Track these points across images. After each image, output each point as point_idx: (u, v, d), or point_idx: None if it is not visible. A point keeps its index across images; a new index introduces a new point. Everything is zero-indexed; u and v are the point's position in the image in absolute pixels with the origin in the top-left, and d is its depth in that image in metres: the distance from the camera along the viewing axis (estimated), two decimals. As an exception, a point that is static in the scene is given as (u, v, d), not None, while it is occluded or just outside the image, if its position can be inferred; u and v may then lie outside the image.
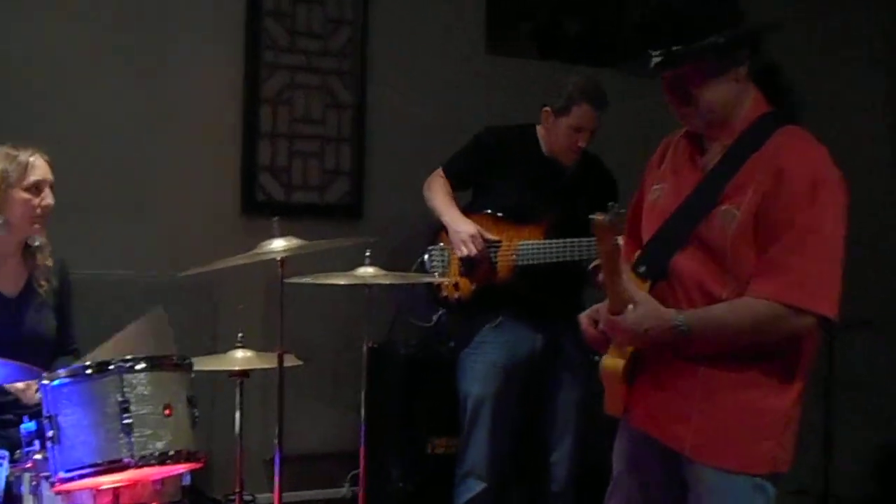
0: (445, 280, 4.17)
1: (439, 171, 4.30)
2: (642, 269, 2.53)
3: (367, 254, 3.60)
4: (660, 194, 2.65)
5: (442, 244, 4.22)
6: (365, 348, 3.61)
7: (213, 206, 4.67)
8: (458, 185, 4.29)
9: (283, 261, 3.22)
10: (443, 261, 4.22)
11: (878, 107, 6.00)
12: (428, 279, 4.16)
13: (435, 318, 4.27)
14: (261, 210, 4.63)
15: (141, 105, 4.54)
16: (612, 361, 2.55)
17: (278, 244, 3.23)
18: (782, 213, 2.42)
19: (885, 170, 5.94)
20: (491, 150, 4.23)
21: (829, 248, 2.44)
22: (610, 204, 2.37)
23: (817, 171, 2.45)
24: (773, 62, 2.61)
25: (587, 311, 2.61)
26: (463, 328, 4.22)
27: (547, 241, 4.06)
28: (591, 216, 2.31)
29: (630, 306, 2.43)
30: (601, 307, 2.54)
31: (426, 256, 4.24)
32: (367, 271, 3.57)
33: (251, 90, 4.72)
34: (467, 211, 4.21)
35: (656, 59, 2.47)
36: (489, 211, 4.18)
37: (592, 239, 3.89)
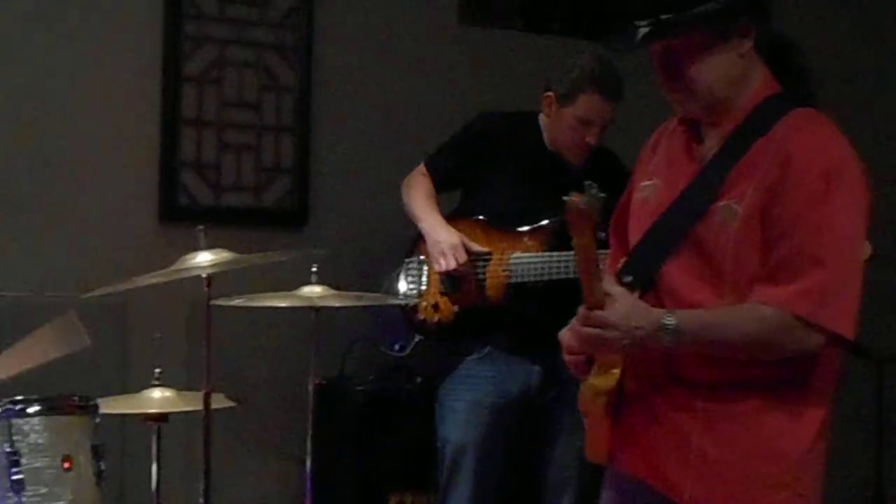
0: (424, 297, 4.17)
1: (421, 168, 4.31)
2: (628, 278, 2.57)
3: (314, 269, 3.61)
4: (651, 191, 2.70)
5: (421, 256, 4.24)
6: (311, 386, 3.61)
7: (125, 212, 4.67)
8: (443, 184, 4.30)
9: (209, 278, 3.22)
10: (420, 276, 4.23)
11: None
12: (393, 301, 4.16)
13: (409, 346, 4.26)
14: (183, 216, 4.63)
15: (35, 87, 4.52)
16: (594, 386, 2.57)
17: (204, 258, 3.23)
18: (791, 209, 2.46)
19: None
20: (483, 141, 4.24)
21: (847, 252, 2.47)
22: (587, 183, 2.40)
23: (833, 160, 2.49)
24: (785, 37, 2.66)
25: (570, 325, 2.63)
26: (443, 359, 4.23)
27: (546, 254, 4.07)
28: (563, 197, 2.35)
29: (608, 302, 2.46)
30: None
31: (401, 271, 4.24)
32: (313, 291, 3.58)
33: (171, 68, 4.71)
34: (454, 217, 4.22)
35: (643, 31, 2.52)
36: (480, 217, 4.19)
37: (603, 253, 3.95)
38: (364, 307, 4.29)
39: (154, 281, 3.26)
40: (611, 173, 4.24)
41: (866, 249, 2.59)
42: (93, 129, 4.61)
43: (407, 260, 4.25)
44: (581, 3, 5.46)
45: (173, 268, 3.26)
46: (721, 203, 2.52)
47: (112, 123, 4.65)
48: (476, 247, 4.11)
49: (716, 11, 2.51)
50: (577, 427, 4.12)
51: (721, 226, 2.50)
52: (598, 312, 2.45)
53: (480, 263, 4.12)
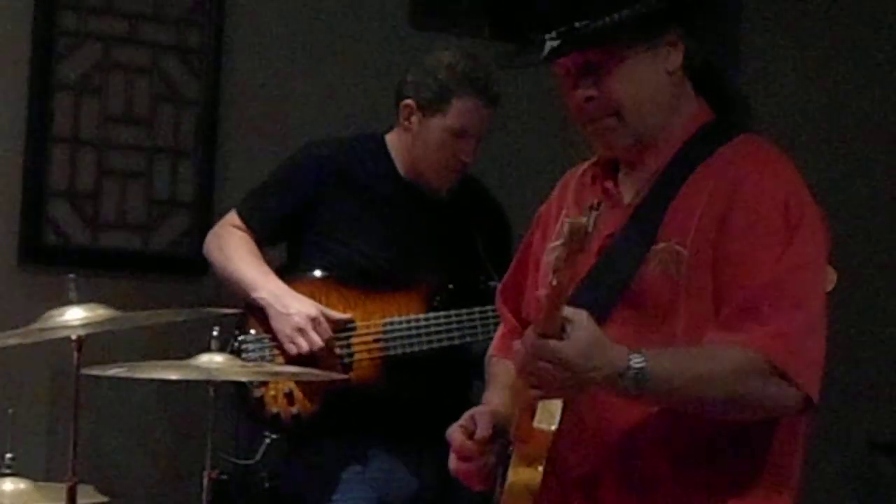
0: (323, 375, 4.10)
1: (232, 218, 4.25)
2: None
3: (215, 333, 3.59)
4: None
5: (254, 332, 4.16)
6: (206, 479, 3.60)
7: (-25, 251, 4.66)
8: (267, 237, 4.25)
9: (80, 340, 3.20)
10: (263, 358, 4.13)
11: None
12: (318, 375, 4.11)
13: (261, 449, 4.18)
14: (50, 259, 4.65)
15: None
16: (519, 483, 2.57)
17: (74, 314, 3.20)
18: (750, 245, 2.52)
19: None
20: (321, 175, 4.21)
21: (814, 302, 2.53)
22: (588, 204, 2.43)
23: (790, 191, 2.56)
24: (713, 62, 2.73)
25: (459, 421, 2.67)
26: (306, 461, 4.19)
27: (431, 315, 4.08)
28: (568, 219, 2.36)
29: (569, 329, 2.42)
30: (481, 412, 2.64)
31: (234, 352, 4.08)
32: (213, 360, 3.56)
33: (41, 71, 4.73)
34: (286, 277, 4.16)
35: (551, 44, 2.57)
36: (325, 273, 4.15)
37: (492, 308, 3.96)
38: (238, 389, 4.19)
39: (9, 342, 3.24)
40: (481, 207, 4.33)
41: (831, 277, 2.65)
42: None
43: (239, 338, 4.15)
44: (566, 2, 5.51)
45: (34, 326, 3.23)
46: (659, 246, 2.56)
47: (-36, 140, 4.66)
48: (336, 315, 4.08)
49: (639, 17, 2.57)
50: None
51: (662, 273, 2.55)
52: (553, 342, 2.40)
53: (342, 335, 4.10)
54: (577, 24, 2.55)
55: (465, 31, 5.33)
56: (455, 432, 2.67)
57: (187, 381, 3.59)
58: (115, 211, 4.85)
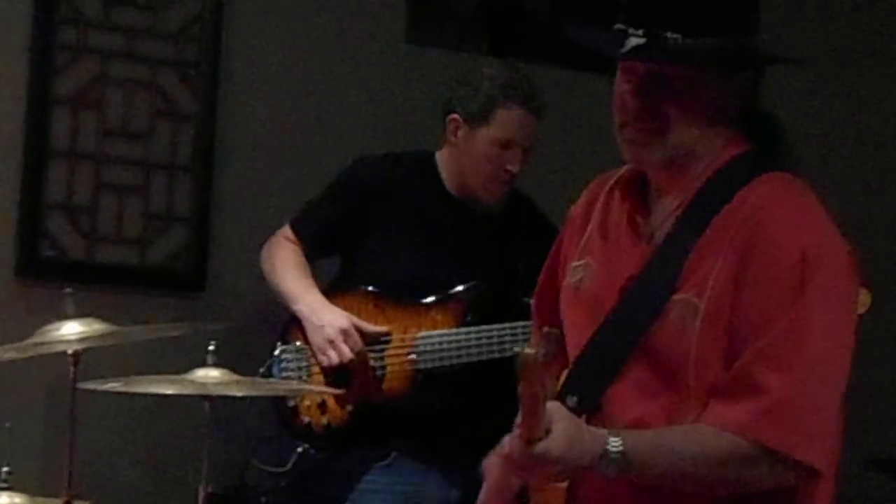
0: (314, 390, 4.14)
1: (286, 231, 4.34)
2: (573, 399, 2.56)
3: (211, 347, 3.57)
4: (586, 275, 2.70)
5: (298, 343, 4.22)
6: (201, 495, 3.58)
7: (-29, 265, 4.65)
8: (316, 250, 4.32)
9: (76, 355, 3.19)
10: (300, 368, 4.21)
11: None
12: (313, 389, 4.15)
13: (293, 458, 4.21)
14: (46, 273, 4.63)
15: None
16: None
17: (71, 329, 3.20)
18: (758, 307, 2.45)
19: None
20: (369, 191, 4.27)
21: (823, 361, 2.46)
22: (546, 330, 2.41)
23: (810, 241, 2.48)
24: (764, 111, 2.69)
25: (498, 452, 2.64)
26: (339, 467, 4.21)
27: (462, 330, 4.10)
28: (515, 349, 2.34)
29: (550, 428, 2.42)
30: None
31: (275, 362, 4.21)
32: (209, 375, 3.54)
33: (39, 85, 4.72)
34: (334, 291, 4.23)
35: (636, 41, 2.53)
36: (369, 288, 4.19)
37: (523, 325, 3.98)
38: (274, 398, 4.26)
39: (6, 356, 3.23)
40: (530, 225, 4.35)
41: (864, 300, 2.60)
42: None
43: (280, 348, 4.23)
44: (557, 19, 5.52)
45: (31, 340, 3.23)
46: (678, 296, 2.51)
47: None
48: (370, 327, 4.13)
49: (727, 49, 2.54)
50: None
51: (680, 326, 2.50)
52: (540, 446, 2.39)
53: (377, 348, 4.14)
54: (669, 34, 2.52)
55: (463, 47, 5.32)
56: (494, 467, 2.65)
57: (184, 395, 3.58)
58: (112, 225, 4.83)
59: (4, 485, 3.43)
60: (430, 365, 4.10)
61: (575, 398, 2.55)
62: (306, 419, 4.20)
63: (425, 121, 5.05)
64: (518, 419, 2.41)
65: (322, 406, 4.16)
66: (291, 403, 4.18)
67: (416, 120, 5.08)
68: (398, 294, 4.17)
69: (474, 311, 4.12)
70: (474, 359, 4.06)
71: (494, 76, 4.17)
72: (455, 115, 4.18)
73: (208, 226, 4.94)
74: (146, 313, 4.27)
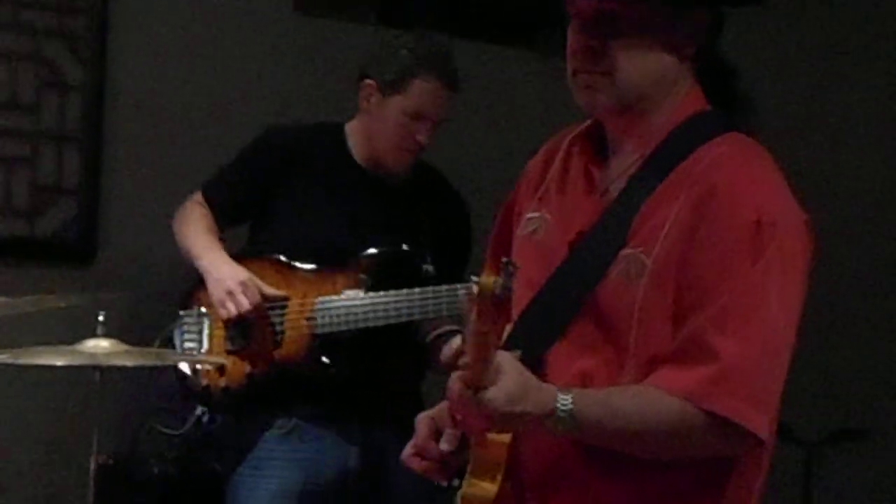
0: (202, 359, 4.12)
1: (197, 197, 4.32)
2: (516, 354, 2.49)
3: (101, 318, 3.56)
4: (539, 226, 2.67)
5: (200, 308, 4.20)
6: (93, 465, 3.56)
7: None
8: (226, 216, 4.31)
9: (-37, 326, 3.16)
10: (200, 332, 4.19)
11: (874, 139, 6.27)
12: (204, 359, 4.13)
13: (191, 420, 4.18)
14: (-67, 246, 4.57)
15: None
16: (471, 497, 2.52)
17: (-43, 300, 3.18)
18: (710, 267, 2.42)
19: (882, 222, 6.19)
20: (276, 160, 4.27)
21: (774, 330, 2.43)
22: (504, 260, 2.36)
23: (766, 205, 2.44)
24: (730, 62, 2.65)
25: (429, 413, 2.60)
26: (235, 435, 4.20)
27: (361, 296, 4.09)
28: (472, 277, 2.28)
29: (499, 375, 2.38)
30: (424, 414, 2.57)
31: (175, 327, 4.20)
32: (99, 345, 3.54)
33: (-80, 57, 4.66)
34: (240, 258, 4.20)
35: None
36: (274, 256, 4.19)
37: (429, 291, 4.00)
38: (165, 368, 4.23)
39: None
40: (435, 195, 4.37)
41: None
42: None
43: (182, 313, 4.21)
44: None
45: (-85, 312, 3.20)
46: (626, 251, 2.48)
47: None
48: (270, 290, 4.11)
49: None
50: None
51: (625, 283, 2.47)
52: (480, 395, 2.34)
53: (277, 312, 4.12)
54: None
55: (352, 17, 5.31)
56: (422, 424, 2.60)
57: (75, 367, 3.56)
58: (0, 197, 4.79)
59: None
60: (326, 329, 4.08)
61: (519, 352, 2.48)
62: (205, 382, 4.17)
63: (312, 90, 5.07)
64: (462, 360, 2.36)
65: (221, 370, 4.14)
66: (190, 367, 4.18)
67: (304, 88, 5.09)
68: (305, 261, 4.16)
69: (374, 278, 4.11)
70: (371, 324, 4.05)
71: (414, 47, 4.16)
72: (370, 81, 4.17)
73: (98, 197, 4.91)
74: (36, 285, 4.23)
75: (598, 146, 2.65)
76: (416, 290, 4.04)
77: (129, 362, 3.63)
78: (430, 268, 4.15)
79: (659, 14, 2.52)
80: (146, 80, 4.98)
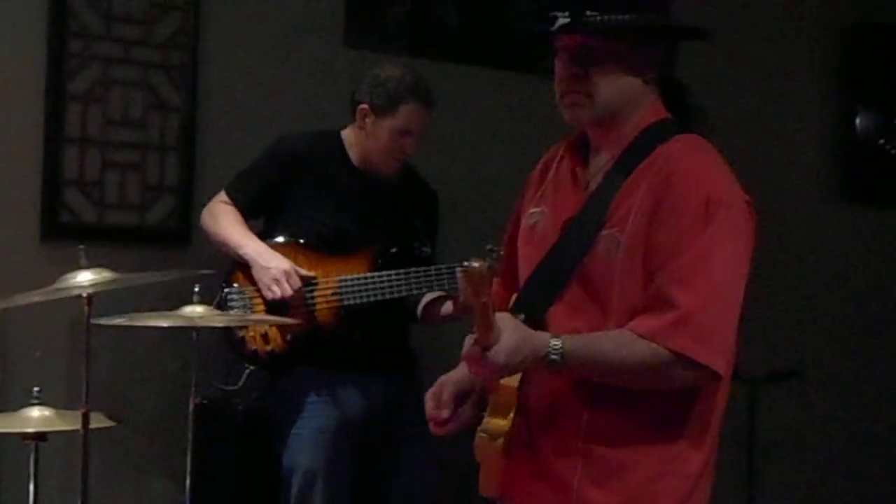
0: (273, 320, 4.10)
1: (221, 196, 4.29)
2: (521, 316, 2.54)
3: (196, 289, 3.59)
4: (539, 218, 2.70)
5: (238, 285, 4.18)
6: (192, 405, 3.60)
7: (6, 229, 4.60)
8: (249, 211, 4.26)
9: (90, 298, 3.19)
10: (244, 306, 4.16)
11: (808, 130, 6.26)
12: (273, 320, 4.11)
13: (243, 377, 4.19)
14: (65, 234, 4.58)
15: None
16: (491, 429, 2.56)
17: (85, 277, 3.20)
18: (670, 238, 2.45)
19: (813, 203, 6.18)
20: (290, 163, 4.23)
21: (724, 284, 2.46)
22: (489, 247, 2.42)
23: (713, 187, 2.48)
24: (679, 80, 2.70)
25: (434, 387, 2.67)
26: (280, 387, 4.19)
27: (376, 274, 4.08)
28: (464, 263, 2.31)
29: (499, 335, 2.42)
30: (449, 378, 2.62)
31: (221, 302, 4.16)
32: (195, 311, 3.56)
33: (55, 85, 4.67)
34: (265, 241, 4.18)
35: (563, 20, 2.54)
36: (286, 239, 4.16)
37: (433, 269, 4.02)
38: (225, 330, 4.23)
39: (34, 300, 3.23)
40: (418, 189, 4.35)
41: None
42: (-27, 146, 4.55)
43: (225, 290, 4.18)
44: (469, 26, 5.51)
45: (54, 287, 3.22)
46: (605, 232, 2.51)
47: (-6, 141, 4.59)
48: (303, 271, 4.09)
49: (639, 24, 2.54)
50: (424, 450, 4.10)
51: (606, 257, 2.50)
52: (491, 352, 2.40)
53: (308, 288, 4.10)
54: (588, 13, 2.52)
55: (388, 49, 5.31)
56: (428, 400, 2.67)
57: (177, 328, 3.59)
58: (116, 195, 4.79)
59: (36, 400, 3.44)
60: (350, 302, 4.08)
61: (522, 315, 2.53)
62: (253, 347, 4.15)
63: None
64: (474, 325, 2.40)
65: (265, 336, 4.12)
66: (240, 334, 4.15)
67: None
68: (317, 246, 4.14)
69: (383, 258, 4.12)
70: (386, 297, 4.05)
71: (399, 77, 4.14)
72: (364, 106, 4.15)
73: (192, 194, 4.90)
74: (145, 264, 4.24)
75: (581, 152, 2.68)
76: (421, 268, 4.05)
77: (219, 324, 3.67)
78: (427, 250, 4.16)
79: (627, 48, 2.56)
80: (229, 103, 4.98)
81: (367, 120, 4.16)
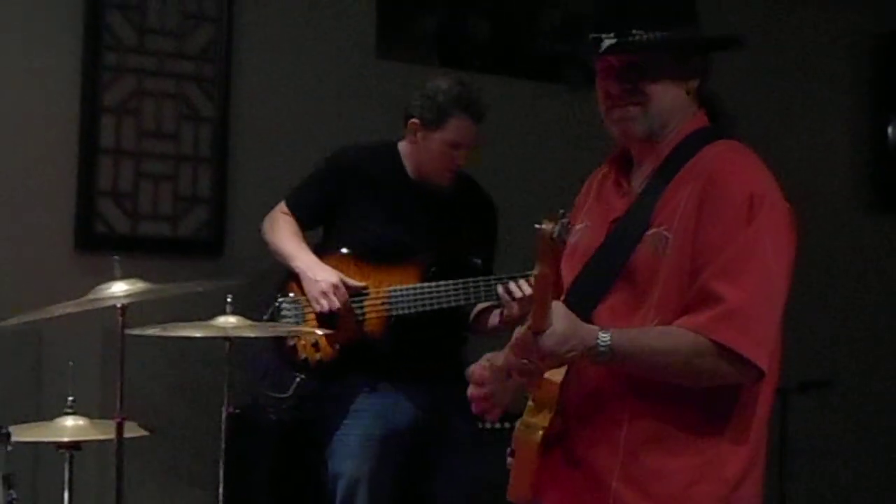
0: (308, 331, 4.12)
1: (281, 207, 4.30)
2: None
3: (229, 299, 3.60)
4: (582, 234, 2.71)
5: (293, 294, 4.20)
6: (224, 414, 3.61)
7: (41, 240, 4.63)
8: (307, 221, 4.28)
9: (124, 308, 3.21)
10: (297, 315, 4.19)
11: (839, 140, 6.24)
12: (305, 330, 4.13)
13: (293, 385, 4.21)
14: (99, 245, 4.61)
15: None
16: (531, 424, 2.56)
17: (119, 287, 3.22)
18: (715, 233, 2.47)
19: (845, 213, 6.16)
20: (347, 174, 4.24)
21: (767, 279, 2.48)
22: (561, 211, 2.41)
23: (757, 186, 2.51)
24: (710, 89, 2.71)
25: (481, 362, 2.66)
26: (329, 394, 4.20)
27: (426, 285, 4.09)
28: (536, 224, 2.33)
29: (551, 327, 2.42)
30: (496, 355, 2.59)
31: (275, 310, 4.20)
32: (228, 321, 3.57)
33: (90, 97, 4.70)
34: (320, 252, 4.20)
35: (609, 42, 2.56)
36: (346, 250, 4.18)
37: (481, 280, 4.01)
38: (277, 339, 4.24)
39: (68, 310, 3.25)
40: (475, 200, 4.32)
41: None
42: (10, 158, 4.58)
43: (280, 299, 4.21)
44: (496, 39, 5.53)
45: (88, 297, 3.25)
46: (652, 231, 2.53)
47: (29, 151, 4.61)
48: (353, 282, 4.10)
49: (681, 40, 2.59)
50: (464, 459, 4.15)
51: (652, 255, 2.52)
52: (542, 339, 2.41)
53: (358, 299, 4.11)
54: (634, 31, 2.56)
55: (420, 60, 5.33)
56: (475, 367, 2.67)
57: (209, 337, 3.61)
58: (149, 206, 4.82)
59: (70, 410, 3.46)
60: (399, 312, 4.09)
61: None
62: (303, 355, 4.17)
63: (393, 118, 5.08)
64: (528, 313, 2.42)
65: (315, 345, 4.14)
66: (292, 343, 4.16)
67: (385, 117, 5.10)
68: (370, 257, 4.14)
69: (433, 269, 4.12)
70: (435, 307, 4.06)
71: (448, 90, 4.13)
72: (415, 120, 4.15)
73: (225, 205, 4.93)
74: (178, 274, 4.26)
75: (624, 167, 2.72)
76: (470, 279, 4.04)
77: (251, 334, 3.67)
78: (478, 261, 4.16)
79: (671, 60, 2.60)
80: (261, 114, 5.00)
81: (418, 134, 4.17)
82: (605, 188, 2.74)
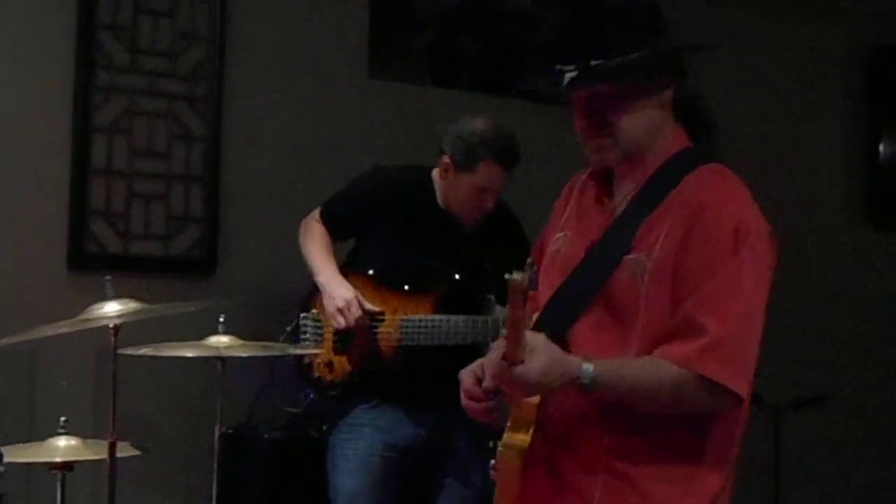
0: (319, 354, 4.14)
1: (316, 214, 4.30)
2: (542, 333, 2.53)
3: (221, 319, 3.60)
4: (562, 243, 2.70)
5: (315, 311, 4.22)
6: (217, 434, 3.60)
7: (32, 260, 4.63)
8: (337, 233, 4.28)
9: (116, 328, 3.20)
10: (317, 332, 4.20)
11: (832, 155, 6.26)
12: (297, 351, 4.14)
13: (304, 401, 4.25)
14: (91, 264, 4.61)
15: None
16: (511, 444, 2.56)
17: (111, 307, 3.22)
18: (699, 265, 2.47)
19: (837, 228, 6.17)
20: (377, 194, 4.23)
21: (749, 311, 2.48)
22: (529, 261, 2.42)
23: (741, 217, 2.51)
24: (693, 91, 2.70)
25: (471, 366, 2.66)
26: (335, 412, 4.22)
27: (437, 318, 4.08)
28: (506, 275, 2.32)
29: (529, 355, 2.41)
30: (488, 360, 2.58)
31: (297, 326, 4.21)
32: (220, 341, 3.57)
33: (82, 117, 4.70)
34: (346, 269, 4.21)
35: (570, 75, 2.53)
36: (372, 272, 4.18)
37: (489, 319, 4.01)
38: (271, 357, 4.26)
39: (61, 330, 3.24)
40: (503, 228, 4.27)
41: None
42: (1, 177, 4.58)
43: (302, 316, 4.22)
44: (487, 58, 5.54)
45: (81, 317, 3.24)
46: (631, 256, 2.52)
47: (21, 171, 4.62)
48: (370, 306, 4.10)
49: (642, 60, 2.53)
50: (467, 477, 4.15)
51: (631, 280, 2.51)
52: (518, 369, 2.41)
53: (374, 323, 4.12)
54: (592, 62, 2.52)
55: (412, 80, 5.34)
56: (466, 375, 2.67)
57: (202, 357, 3.60)
58: (141, 225, 4.82)
59: (62, 430, 3.46)
60: (410, 343, 4.09)
61: (543, 334, 2.51)
62: (317, 374, 4.19)
63: (386, 139, 5.10)
64: (500, 341, 2.42)
65: (330, 365, 4.15)
66: (307, 361, 4.19)
67: (379, 138, 5.12)
68: (389, 281, 4.14)
69: (446, 301, 4.11)
70: (443, 342, 4.05)
71: (482, 133, 4.09)
72: (447, 158, 4.12)
73: (217, 224, 4.93)
74: (170, 294, 4.27)
75: (605, 180, 2.70)
76: (480, 317, 4.04)
77: (243, 353, 3.66)
78: (491, 296, 4.14)
79: (638, 82, 2.57)
80: (253, 133, 5.00)
81: (449, 173, 4.15)
82: (585, 199, 2.73)
